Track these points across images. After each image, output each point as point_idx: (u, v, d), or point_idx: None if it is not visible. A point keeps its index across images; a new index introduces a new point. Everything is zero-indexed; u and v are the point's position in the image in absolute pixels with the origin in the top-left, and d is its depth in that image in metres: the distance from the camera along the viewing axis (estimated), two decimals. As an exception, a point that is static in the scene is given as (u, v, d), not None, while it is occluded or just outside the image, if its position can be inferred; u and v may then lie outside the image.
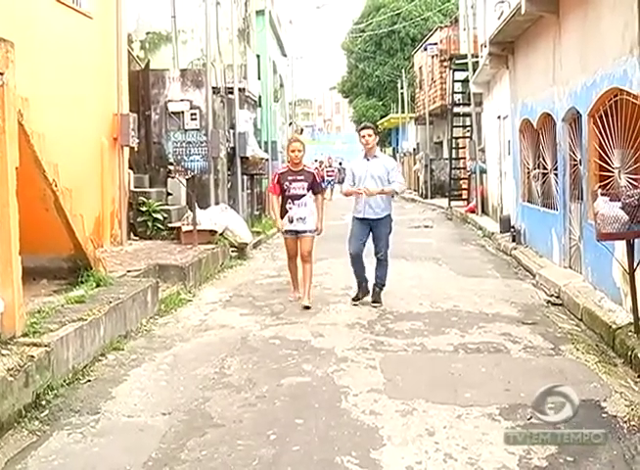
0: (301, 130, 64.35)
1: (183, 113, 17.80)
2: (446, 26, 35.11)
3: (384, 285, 10.28)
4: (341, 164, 49.32)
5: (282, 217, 10.27)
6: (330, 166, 43.97)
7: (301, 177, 10.18)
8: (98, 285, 9.06)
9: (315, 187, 10.29)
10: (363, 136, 10.14)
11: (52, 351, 6.46)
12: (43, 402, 6.13)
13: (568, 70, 11.36)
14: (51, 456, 5.19)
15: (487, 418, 5.71)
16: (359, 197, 10.06)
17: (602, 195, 7.72)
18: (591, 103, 9.97)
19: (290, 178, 10.17)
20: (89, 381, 6.88)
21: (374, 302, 10.07)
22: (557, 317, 9.35)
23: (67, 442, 5.47)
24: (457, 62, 26.72)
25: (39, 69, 10.35)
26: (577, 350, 7.75)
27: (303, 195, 10.16)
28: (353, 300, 10.28)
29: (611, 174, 9.25)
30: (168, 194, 16.76)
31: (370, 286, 10.35)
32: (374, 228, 10.13)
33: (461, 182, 29.41)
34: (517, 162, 15.90)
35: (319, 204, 10.36)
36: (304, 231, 10.21)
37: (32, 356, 6.14)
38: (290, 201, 10.17)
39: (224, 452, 5.11)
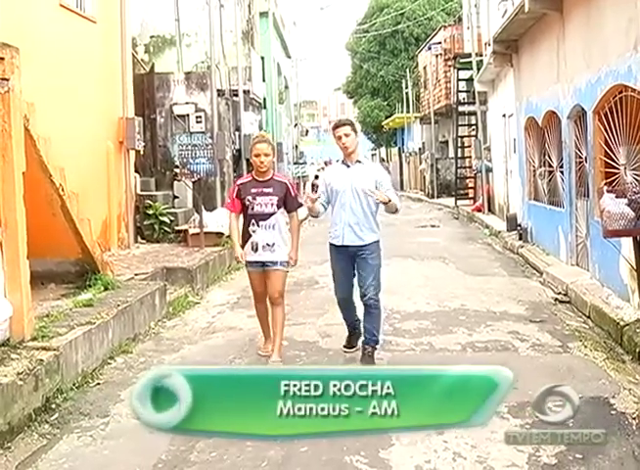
0: (307, 132, 64.46)
1: (188, 115, 17.87)
2: (450, 26, 35.06)
3: (377, 342, 7.36)
4: None
5: (243, 245, 7.52)
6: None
7: (269, 189, 7.42)
8: (106, 288, 9.08)
9: (289, 203, 7.53)
10: (339, 137, 7.27)
11: (61, 354, 6.49)
12: (53, 406, 6.17)
13: (572, 68, 11.35)
14: (61, 459, 5.21)
15: (496, 416, 5.68)
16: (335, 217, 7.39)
17: (608, 192, 7.72)
18: (596, 100, 9.96)
19: (253, 191, 7.42)
20: (98, 384, 6.91)
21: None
22: (564, 315, 9.35)
23: (77, 445, 5.50)
24: (461, 61, 26.69)
25: (45, 73, 10.38)
26: (585, 347, 7.74)
27: (272, 213, 7.40)
28: (346, 347, 7.76)
29: (617, 171, 9.25)
30: (175, 197, 16.81)
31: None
32: (358, 260, 7.32)
33: (467, 181, 29.39)
34: (522, 160, 15.88)
35: (295, 225, 7.68)
36: (273, 263, 7.46)
37: (42, 360, 6.17)
38: (253, 221, 7.42)
39: (233, 454, 5.12)
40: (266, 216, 7.41)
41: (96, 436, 5.63)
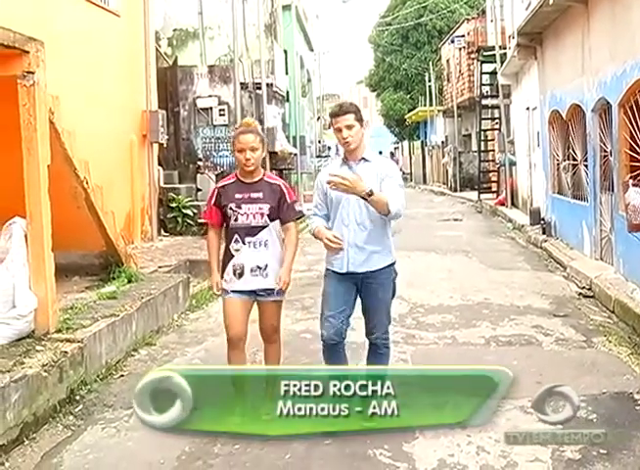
0: (329, 125, 64.48)
1: (211, 108, 17.93)
2: (473, 18, 34.92)
3: None
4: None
5: (224, 267, 5.72)
6: None
7: (258, 194, 5.66)
8: (129, 281, 9.13)
9: (285, 212, 5.72)
10: (338, 129, 5.49)
11: (85, 346, 6.53)
12: (77, 397, 6.22)
13: (597, 60, 11.27)
14: (85, 450, 5.26)
15: (519, 411, 5.69)
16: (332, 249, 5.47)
17: (633, 186, 7.68)
18: (621, 93, 9.88)
19: (237, 196, 5.66)
20: (122, 376, 6.96)
21: None
22: (588, 309, 9.30)
23: (101, 436, 5.54)
24: (485, 54, 26.56)
25: (69, 67, 10.42)
26: (610, 342, 7.70)
27: (262, 227, 5.63)
28: None
29: (642, 165, 9.19)
30: (198, 190, 16.86)
31: None
32: (365, 290, 5.58)
33: (490, 175, 29.27)
34: (546, 153, 15.80)
35: (291, 240, 5.76)
36: (266, 291, 5.66)
37: (66, 352, 6.22)
38: (237, 237, 5.64)
39: (256, 446, 5.12)
40: (255, 230, 5.63)
41: (120, 427, 5.67)
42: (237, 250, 5.64)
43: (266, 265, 5.62)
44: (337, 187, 5.23)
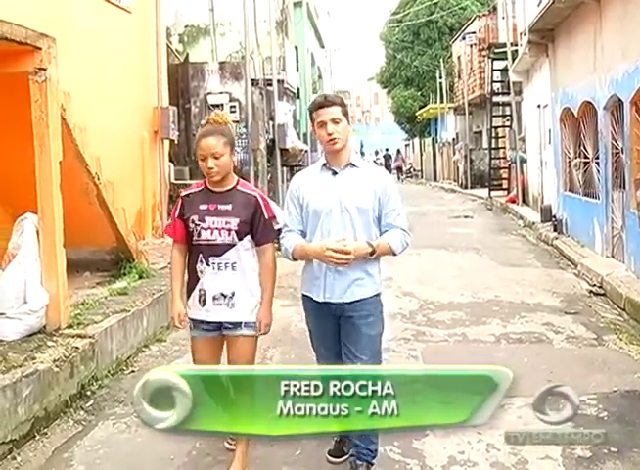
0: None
1: (222, 105, 17.89)
2: (485, 15, 34.79)
3: (374, 457, 4.64)
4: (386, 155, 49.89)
5: (189, 291, 4.78)
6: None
7: (227, 206, 4.65)
8: (140, 277, 9.16)
9: (260, 229, 4.71)
10: (322, 123, 4.44)
11: (96, 342, 6.56)
12: (88, 393, 6.25)
13: (609, 58, 11.23)
14: (96, 445, 5.29)
15: (530, 408, 5.67)
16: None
17: (645, 183, 7.65)
18: (633, 90, 9.85)
19: (202, 207, 4.67)
20: (133, 372, 6.98)
21: None
22: (599, 307, 9.28)
23: (111, 431, 5.57)
24: (496, 51, 26.48)
25: (81, 64, 10.43)
26: (621, 340, 7.69)
27: (229, 245, 4.63)
28: (332, 455, 4.97)
29: (654, 162, 9.16)
30: (208, 186, 16.85)
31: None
32: (344, 325, 4.57)
33: (501, 172, 29.18)
34: (557, 151, 15.75)
35: (267, 266, 4.82)
36: (234, 326, 4.67)
37: (77, 348, 6.25)
38: (201, 257, 4.67)
39: (266, 443, 5.11)
40: (220, 249, 4.63)
41: (130, 423, 5.68)
42: (201, 272, 4.68)
43: (232, 293, 4.64)
44: (343, 265, 4.33)
